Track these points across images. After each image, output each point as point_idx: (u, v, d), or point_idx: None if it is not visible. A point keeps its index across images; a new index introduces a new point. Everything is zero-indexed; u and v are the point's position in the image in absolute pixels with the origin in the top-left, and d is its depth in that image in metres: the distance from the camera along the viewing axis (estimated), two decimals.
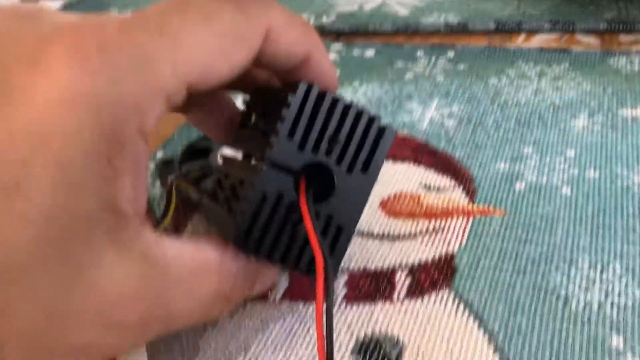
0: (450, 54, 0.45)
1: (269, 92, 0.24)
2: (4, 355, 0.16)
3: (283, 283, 0.26)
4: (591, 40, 0.44)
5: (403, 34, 0.48)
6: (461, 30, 0.47)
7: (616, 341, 0.23)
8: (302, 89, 0.20)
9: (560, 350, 0.23)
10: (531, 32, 0.46)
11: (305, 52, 0.21)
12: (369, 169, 0.22)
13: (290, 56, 0.21)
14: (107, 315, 0.17)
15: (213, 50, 0.18)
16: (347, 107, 0.21)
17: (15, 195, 0.15)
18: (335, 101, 0.21)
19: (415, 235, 0.29)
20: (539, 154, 0.33)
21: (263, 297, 0.26)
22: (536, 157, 0.33)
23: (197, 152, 0.33)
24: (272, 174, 0.20)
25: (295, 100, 0.20)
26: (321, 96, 0.20)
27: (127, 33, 0.17)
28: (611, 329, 0.23)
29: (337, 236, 0.22)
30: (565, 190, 0.30)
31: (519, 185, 0.31)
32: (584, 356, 0.23)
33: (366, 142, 0.21)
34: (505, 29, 0.46)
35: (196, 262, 0.19)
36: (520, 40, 0.45)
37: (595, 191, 0.30)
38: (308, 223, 0.20)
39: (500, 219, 0.29)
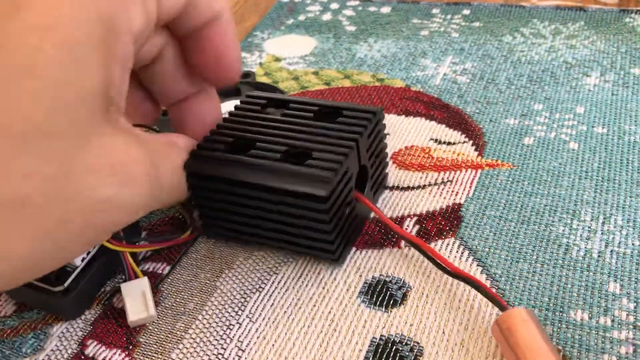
0: (466, 11, 0.45)
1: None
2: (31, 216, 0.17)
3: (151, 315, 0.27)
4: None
5: None
6: None
7: (613, 287, 0.24)
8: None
9: (559, 294, 0.24)
10: None
11: (212, 14, 0.23)
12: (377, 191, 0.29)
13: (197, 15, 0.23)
14: (120, 171, 0.19)
15: None
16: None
17: (30, 75, 0.17)
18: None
19: (424, 186, 0.30)
20: (549, 110, 0.34)
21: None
22: (546, 113, 0.34)
23: None
24: (353, 155, 0.25)
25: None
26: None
27: None
28: (609, 275, 0.24)
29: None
30: (573, 145, 0.31)
31: (528, 140, 0.32)
32: (582, 300, 0.24)
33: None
34: None
35: (164, 139, 0.24)
36: None
37: (602, 146, 0.31)
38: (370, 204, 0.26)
39: (507, 172, 0.30)
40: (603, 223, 0.27)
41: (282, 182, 0.23)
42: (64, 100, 0.17)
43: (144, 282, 0.25)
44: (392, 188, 0.30)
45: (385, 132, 0.28)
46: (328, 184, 0.23)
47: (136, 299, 0.25)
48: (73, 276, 0.24)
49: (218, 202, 0.25)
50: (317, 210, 0.23)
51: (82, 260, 0.25)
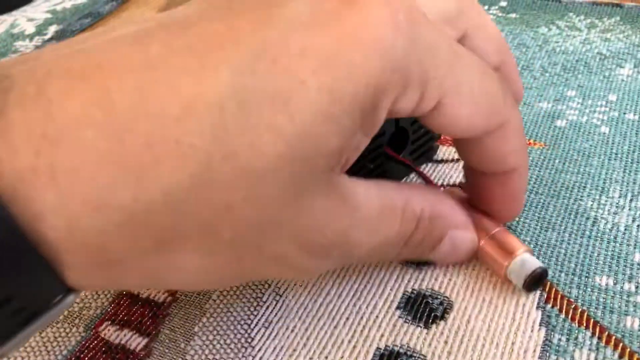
0: (503, 3, 0.46)
1: None
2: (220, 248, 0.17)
3: None
4: None
5: None
6: None
7: (638, 257, 0.25)
8: None
9: (586, 261, 0.25)
10: None
11: (483, 129, 0.20)
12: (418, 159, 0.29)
13: (462, 132, 0.20)
14: (303, 236, 0.18)
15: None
16: None
17: (281, 108, 0.15)
18: None
19: (457, 160, 0.31)
20: (582, 97, 0.35)
21: None
22: (578, 99, 0.35)
23: None
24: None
25: None
26: None
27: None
28: (635, 247, 0.25)
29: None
30: (604, 129, 0.32)
31: (560, 123, 0.33)
32: (607, 267, 0.25)
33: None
34: None
35: (382, 204, 0.20)
36: None
37: (632, 131, 0.32)
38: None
39: (539, 151, 0.31)
40: (631, 200, 0.28)
41: None
42: (300, 151, 0.16)
43: None
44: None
45: None
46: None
47: None
48: None
49: None
50: None
51: None
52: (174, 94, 0.15)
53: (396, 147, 0.27)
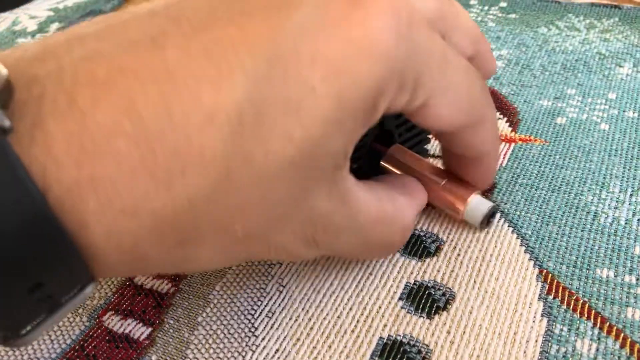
0: (503, 3, 0.46)
1: None
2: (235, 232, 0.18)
3: None
4: None
5: None
6: None
7: (639, 250, 0.25)
8: None
9: (587, 254, 0.25)
10: None
11: (463, 125, 0.22)
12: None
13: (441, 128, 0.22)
14: (302, 229, 0.19)
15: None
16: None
17: (293, 114, 0.16)
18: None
19: None
20: (582, 95, 0.35)
21: None
22: (578, 97, 0.35)
23: None
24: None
25: None
26: None
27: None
28: (635, 240, 0.26)
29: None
30: (604, 127, 0.32)
31: (560, 120, 0.33)
32: (608, 260, 0.25)
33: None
34: None
35: (379, 213, 0.21)
36: None
37: (632, 129, 0.32)
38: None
39: (540, 147, 0.31)
40: (631, 195, 0.28)
41: None
42: (309, 154, 0.17)
43: None
44: (427, 156, 0.31)
45: None
46: None
47: None
48: None
49: None
50: None
51: None
52: (196, 103, 0.16)
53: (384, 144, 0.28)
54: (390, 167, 0.26)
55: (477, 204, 0.25)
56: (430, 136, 0.30)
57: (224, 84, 0.16)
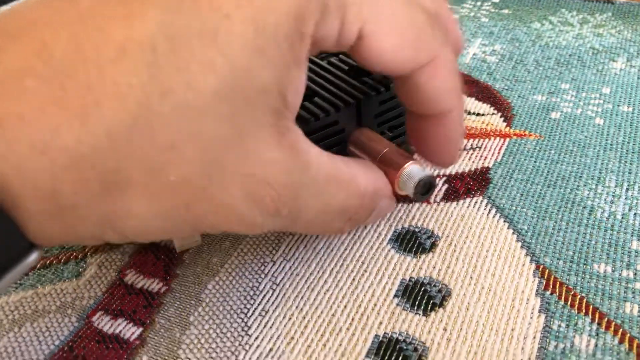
0: None
1: None
2: (162, 188, 0.17)
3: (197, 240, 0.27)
4: None
5: None
6: None
7: (636, 245, 0.25)
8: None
9: (583, 249, 0.25)
10: None
11: (411, 61, 0.21)
12: None
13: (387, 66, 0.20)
14: (251, 185, 0.18)
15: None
16: None
17: (210, 43, 0.16)
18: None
19: None
20: (576, 90, 0.35)
21: None
22: (572, 92, 0.35)
23: None
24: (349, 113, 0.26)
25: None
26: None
27: None
28: (632, 235, 0.25)
29: None
30: (598, 121, 0.32)
31: (555, 115, 0.33)
32: (605, 255, 0.25)
33: None
34: None
35: (332, 170, 0.20)
36: None
37: (627, 123, 0.32)
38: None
39: (535, 142, 0.31)
40: (627, 189, 0.28)
41: None
42: (235, 85, 0.16)
43: None
44: None
45: None
46: (304, 124, 0.24)
47: None
48: None
49: None
50: None
51: None
52: (107, 39, 0.16)
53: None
54: (355, 151, 0.26)
55: (410, 172, 0.23)
56: None
57: (136, 20, 0.16)
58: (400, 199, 0.28)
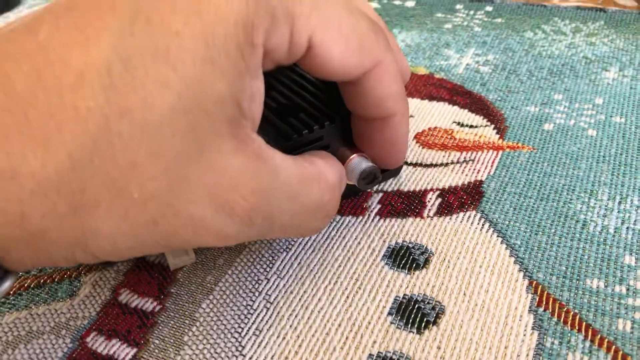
0: (489, 8, 0.46)
1: None
2: (130, 204, 0.17)
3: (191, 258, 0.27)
4: (628, 2, 0.45)
5: None
6: None
7: (629, 259, 0.25)
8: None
9: (576, 264, 0.25)
10: None
11: (357, 67, 0.21)
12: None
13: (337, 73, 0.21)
14: (219, 196, 0.18)
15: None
16: None
17: (163, 61, 0.16)
18: None
19: (446, 164, 0.31)
20: (569, 100, 0.35)
21: None
22: (565, 103, 0.35)
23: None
24: (335, 129, 0.26)
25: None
26: None
27: None
28: (625, 249, 0.25)
29: None
30: (591, 133, 0.32)
31: (548, 126, 0.33)
32: (598, 270, 0.25)
33: None
34: None
35: (300, 170, 0.21)
36: (557, 0, 0.47)
37: (619, 134, 0.32)
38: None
39: (527, 154, 0.31)
40: (619, 202, 0.28)
41: (261, 126, 0.25)
42: (190, 99, 0.17)
43: None
44: (415, 164, 0.31)
45: (409, 114, 0.29)
46: (289, 141, 0.24)
47: None
48: None
49: None
50: None
51: None
52: (66, 66, 0.16)
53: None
54: None
55: (355, 163, 0.25)
56: None
57: (91, 45, 0.16)
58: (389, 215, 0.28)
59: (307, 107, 0.26)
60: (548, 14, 0.44)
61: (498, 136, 0.33)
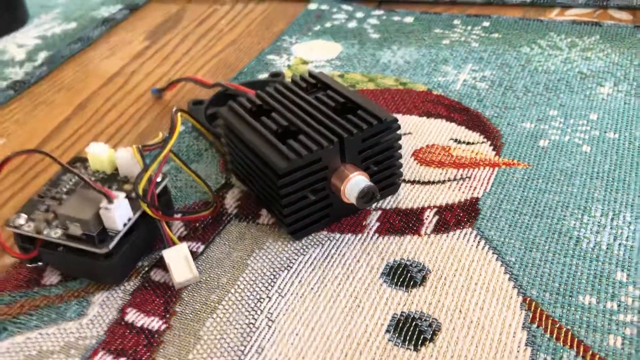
0: (486, 23, 0.47)
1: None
2: None
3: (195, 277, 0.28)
4: (623, 16, 0.46)
5: (442, 4, 0.51)
6: (499, 1, 0.49)
7: (620, 275, 0.26)
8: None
9: (569, 280, 0.26)
10: (565, 7, 0.48)
11: None
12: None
13: None
14: None
15: None
16: None
17: None
18: None
19: (444, 181, 0.32)
20: (564, 116, 0.36)
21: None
22: (560, 119, 0.35)
23: (227, 96, 0.37)
24: (333, 150, 0.28)
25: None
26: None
27: None
28: (617, 265, 0.26)
29: None
30: (585, 149, 0.33)
31: (543, 143, 0.34)
32: (590, 286, 0.25)
33: None
34: (540, 3, 0.48)
35: None
36: (553, 14, 0.47)
37: (613, 150, 0.33)
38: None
39: (523, 171, 0.32)
40: (612, 219, 0.28)
41: (262, 148, 0.27)
42: None
43: (183, 247, 0.27)
44: (412, 182, 0.32)
45: (407, 131, 0.30)
46: (288, 163, 0.26)
47: (179, 262, 0.27)
48: (117, 239, 0.26)
49: (234, 148, 0.31)
50: (275, 183, 0.27)
51: (124, 225, 0.27)
52: None
53: None
54: (336, 182, 0.28)
55: (354, 182, 0.27)
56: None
57: None
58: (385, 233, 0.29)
59: (307, 130, 0.27)
60: (544, 28, 0.45)
61: (494, 153, 0.33)
